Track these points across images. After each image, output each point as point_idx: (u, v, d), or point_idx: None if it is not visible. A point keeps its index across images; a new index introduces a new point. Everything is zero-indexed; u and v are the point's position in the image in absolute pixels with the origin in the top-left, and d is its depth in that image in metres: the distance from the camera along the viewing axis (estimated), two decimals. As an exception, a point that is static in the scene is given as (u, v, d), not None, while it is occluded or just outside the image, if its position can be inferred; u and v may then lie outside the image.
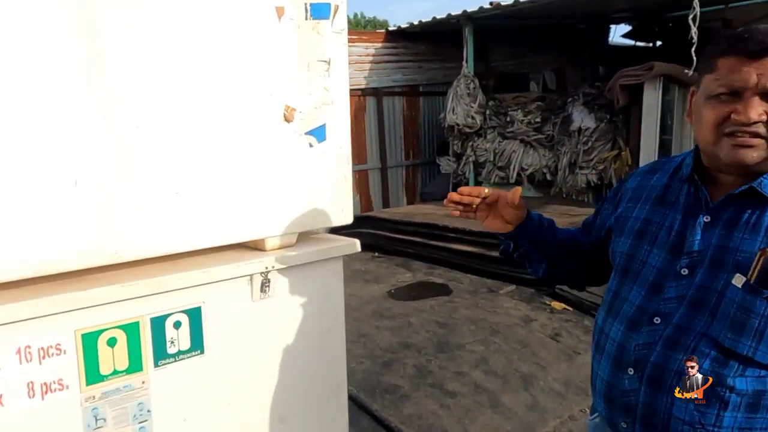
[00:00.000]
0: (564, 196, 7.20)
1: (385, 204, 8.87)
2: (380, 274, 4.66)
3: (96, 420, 1.43)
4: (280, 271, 1.73)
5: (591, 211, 5.00)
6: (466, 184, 8.32)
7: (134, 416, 1.49)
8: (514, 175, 7.61)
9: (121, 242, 1.43)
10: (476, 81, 7.91)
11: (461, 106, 7.76)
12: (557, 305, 3.93)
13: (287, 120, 1.73)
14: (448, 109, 7.90)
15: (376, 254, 5.17)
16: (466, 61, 7.93)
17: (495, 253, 4.71)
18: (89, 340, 1.40)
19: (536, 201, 7.04)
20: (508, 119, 7.76)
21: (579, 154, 6.98)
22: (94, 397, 1.42)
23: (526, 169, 7.51)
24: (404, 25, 8.78)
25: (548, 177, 7.40)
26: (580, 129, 7.06)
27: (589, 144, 6.95)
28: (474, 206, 1.29)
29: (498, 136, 7.84)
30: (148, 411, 1.52)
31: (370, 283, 4.34)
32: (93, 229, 1.37)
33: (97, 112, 1.35)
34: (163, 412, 1.54)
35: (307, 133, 1.78)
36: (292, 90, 1.72)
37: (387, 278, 4.51)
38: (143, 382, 1.50)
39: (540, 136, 7.47)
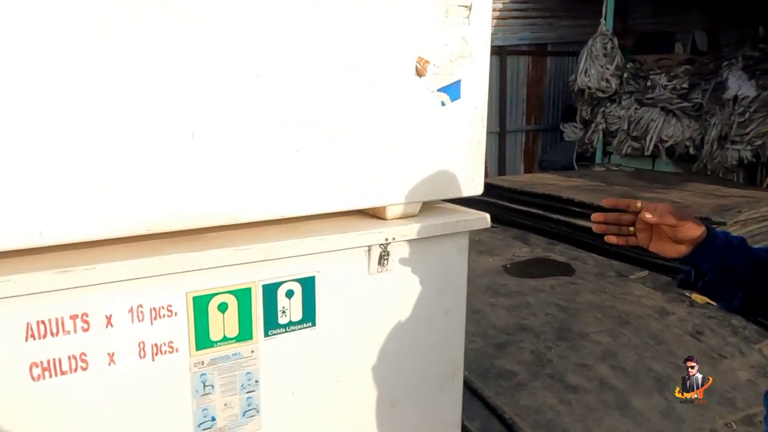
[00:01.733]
0: (709, 173, 6.40)
1: (501, 171, 8.46)
2: (495, 245, 4.39)
3: (204, 386, 1.36)
4: (400, 243, 1.56)
5: (742, 192, 4.32)
6: (593, 153, 7.69)
7: (242, 386, 1.42)
8: (651, 146, 6.86)
9: (235, 202, 1.32)
10: (615, 40, 7.16)
11: (595, 67, 7.08)
12: (699, 298, 3.46)
13: (419, 74, 1.52)
14: (580, 71, 7.25)
15: (491, 224, 4.89)
16: (605, 18, 7.20)
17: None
18: (200, 304, 1.32)
19: (675, 177, 6.32)
20: (649, 84, 6.98)
21: (732, 126, 6.11)
22: (203, 362, 1.35)
23: (666, 141, 6.74)
24: (536, -22, 8.13)
25: (691, 151, 6.59)
26: (736, 97, 6.17)
27: (746, 115, 6.06)
28: (630, 227, 1.02)
29: (635, 103, 7.08)
30: (256, 381, 1.44)
31: (483, 255, 4.10)
32: (211, 186, 1.27)
33: (214, 56, 1.23)
34: (271, 384, 1.46)
35: (439, 90, 1.57)
36: (426, 39, 1.51)
37: (502, 251, 4.24)
38: (252, 352, 1.42)
39: (685, 104, 6.65)
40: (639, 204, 0.99)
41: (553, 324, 2.95)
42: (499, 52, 8.03)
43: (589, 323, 2.99)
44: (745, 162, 6.12)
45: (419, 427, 1.75)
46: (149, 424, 1.31)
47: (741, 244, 1.04)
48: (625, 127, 7.13)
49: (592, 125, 7.54)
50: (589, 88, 7.23)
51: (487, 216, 1.71)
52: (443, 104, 1.58)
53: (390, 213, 1.58)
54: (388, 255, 1.55)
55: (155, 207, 1.22)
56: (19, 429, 1.17)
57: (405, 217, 1.61)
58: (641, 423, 2.28)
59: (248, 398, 1.43)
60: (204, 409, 1.38)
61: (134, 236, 1.24)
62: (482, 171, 1.72)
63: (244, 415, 1.44)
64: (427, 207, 1.70)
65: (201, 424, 1.38)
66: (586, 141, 7.69)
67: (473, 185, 1.70)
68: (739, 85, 6.22)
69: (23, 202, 1.09)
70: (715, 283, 1.03)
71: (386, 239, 1.52)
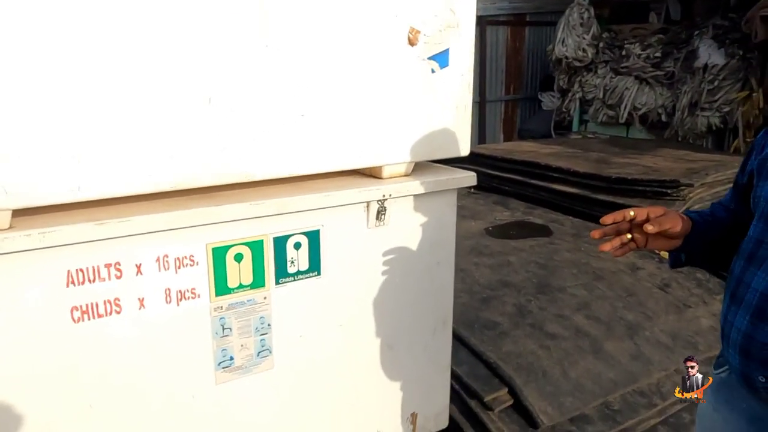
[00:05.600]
0: (679, 139, 6.63)
1: (481, 140, 8.61)
2: (477, 210, 4.57)
3: (223, 329, 1.51)
4: (395, 199, 1.71)
5: (710, 156, 4.51)
6: (570, 121, 7.88)
7: (256, 328, 1.57)
8: (625, 114, 7.07)
9: (251, 162, 1.45)
10: (591, 10, 7.29)
11: (572, 37, 7.22)
12: (667, 255, 3.69)
13: (411, 43, 1.65)
14: (557, 41, 7.38)
15: (472, 190, 5.08)
16: (582, -12, 7.30)
17: (601, 196, 4.46)
18: (219, 254, 1.46)
19: (648, 143, 6.55)
20: (623, 53, 7.14)
21: (702, 93, 6.33)
22: (221, 307, 1.50)
23: (639, 109, 6.94)
24: (515, -53, 8.17)
25: (663, 118, 6.81)
26: (706, 66, 6.37)
27: (716, 83, 6.28)
28: (628, 236, 1.13)
29: (610, 72, 7.26)
30: (269, 325, 1.59)
31: (467, 219, 4.28)
32: (224, 147, 1.40)
33: (229, 28, 1.34)
34: (282, 328, 1.61)
35: (429, 58, 1.70)
36: (417, 10, 1.64)
37: (484, 215, 4.43)
38: (265, 298, 1.57)
39: (658, 72, 6.84)
40: (632, 212, 1.11)
41: (533, 280, 3.15)
42: (478, 22, 8.08)
43: (567, 278, 3.20)
44: (714, 128, 6.37)
45: (414, 368, 1.92)
46: (176, 363, 1.46)
47: (713, 216, 1.20)
48: (601, 95, 7.31)
49: (569, 94, 7.71)
50: (566, 57, 7.38)
51: (474, 174, 1.86)
52: (433, 71, 1.72)
53: (386, 172, 1.72)
54: (385, 210, 1.70)
55: (180, 166, 1.35)
56: (61, 367, 1.31)
57: (399, 176, 1.75)
58: (613, 365, 2.50)
59: (262, 340, 1.59)
60: (223, 350, 1.53)
61: (159, 193, 1.37)
62: (469, 134, 1.87)
63: (258, 355, 1.59)
64: (419, 167, 1.84)
65: (221, 363, 1.53)
66: (564, 110, 7.87)
67: (461, 147, 1.85)
68: (709, 53, 6.41)
69: (64, 162, 1.21)
70: (706, 258, 1.22)
71: (383, 195, 1.67)
